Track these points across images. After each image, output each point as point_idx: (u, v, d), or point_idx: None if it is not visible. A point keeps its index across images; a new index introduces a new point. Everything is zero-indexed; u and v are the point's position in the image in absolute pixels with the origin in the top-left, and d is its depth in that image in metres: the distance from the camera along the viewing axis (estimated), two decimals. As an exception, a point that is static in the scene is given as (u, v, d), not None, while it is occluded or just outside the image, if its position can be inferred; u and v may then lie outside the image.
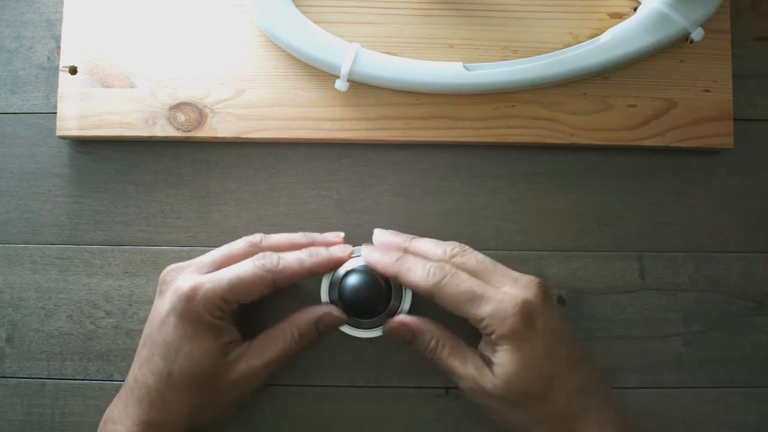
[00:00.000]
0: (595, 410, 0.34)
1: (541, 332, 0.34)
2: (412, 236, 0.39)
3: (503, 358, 0.34)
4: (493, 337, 0.34)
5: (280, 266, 0.35)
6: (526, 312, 0.34)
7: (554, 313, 0.35)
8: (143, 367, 0.35)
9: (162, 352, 0.34)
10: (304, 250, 0.37)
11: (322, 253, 0.37)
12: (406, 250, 0.38)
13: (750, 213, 0.44)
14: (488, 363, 0.35)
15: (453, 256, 0.36)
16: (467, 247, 0.37)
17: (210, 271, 0.36)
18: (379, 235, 0.39)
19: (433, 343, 0.37)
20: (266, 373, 0.36)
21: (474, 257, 0.36)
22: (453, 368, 0.36)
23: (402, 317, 0.37)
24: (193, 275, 0.35)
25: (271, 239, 0.38)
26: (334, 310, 0.37)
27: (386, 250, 0.38)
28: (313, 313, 0.37)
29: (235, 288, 0.34)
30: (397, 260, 0.36)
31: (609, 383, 0.37)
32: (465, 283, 0.35)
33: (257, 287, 0.35)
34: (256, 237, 0.38)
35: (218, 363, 0.35)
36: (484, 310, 0.34)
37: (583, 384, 0.35)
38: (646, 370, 0.42)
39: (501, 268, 0.36)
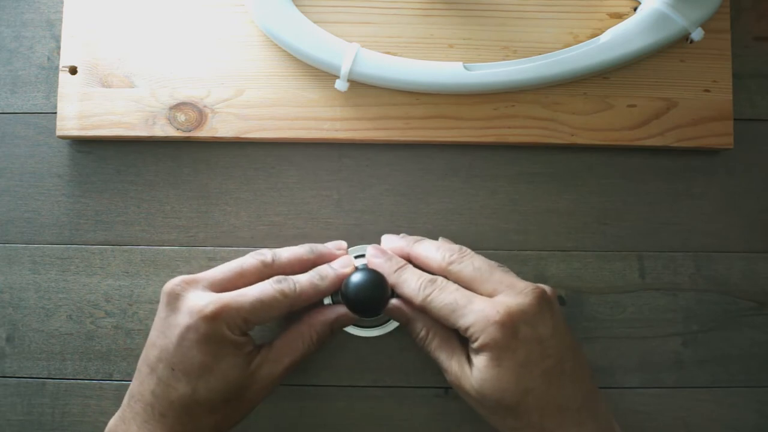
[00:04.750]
0: (573, 431, 0.34)
1: (525, 342, 0.33)
2: (418, 239, 0.39)
3: (481, 364, 0.34)
4: (475, 345, 0.34)
5: (297, 291, 0.36)
6: (509, 321, 0.33)
7: (548, 322, 0.34)
8: (162, 383, 0.34)
9: (185, 369, 0.34)
10: (314, 272, 0.37)
11: (330, 274, 0.37)
12: (408, 255, 0.38)
13: (750, 213, 0.44)
14: (469, 363, 0.35)
15: (451, 263, 0.36)
16: (468, 251, 0.37)
17: (221, 288, 0.36)
18: (386, 241, 0.40)
19: (423, 332, 0.37)
20: (285, 375, 0.37)
21: (471, 264, 0.36)
22: (439, 360, 0.37)
23: (397, 301, 0.37)
24: (208, 293, 0.35)
25: (281, 258, 0.38)
26: (347, 312, 0.38)
27: (388, 256, 0.38)
28: (329, 315, 0.38)
29: (257, 311, 0.35)
30: (395, 271, 0.37)
31: (603, 401, 0.36)
32: (451, 294, 0.35)
33: (276, 311, 0.35)
34: (267, 256, 0.37)
35: (243, 375, 0.35)
36: (468, 319, 0.34)
37: (564, 402, 0.34)
38: (646, 370, 0.42)
39: (498, 275, 0.36)
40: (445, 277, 0.36)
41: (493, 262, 0.37)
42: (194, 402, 0.34)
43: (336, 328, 0.38)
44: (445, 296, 0.35)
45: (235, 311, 0.34)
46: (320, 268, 0.38)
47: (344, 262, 0.38)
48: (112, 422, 0.36)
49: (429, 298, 0.35)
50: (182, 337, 0.34)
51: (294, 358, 0.37)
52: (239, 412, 0.36)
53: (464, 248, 0.38)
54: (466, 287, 0.35)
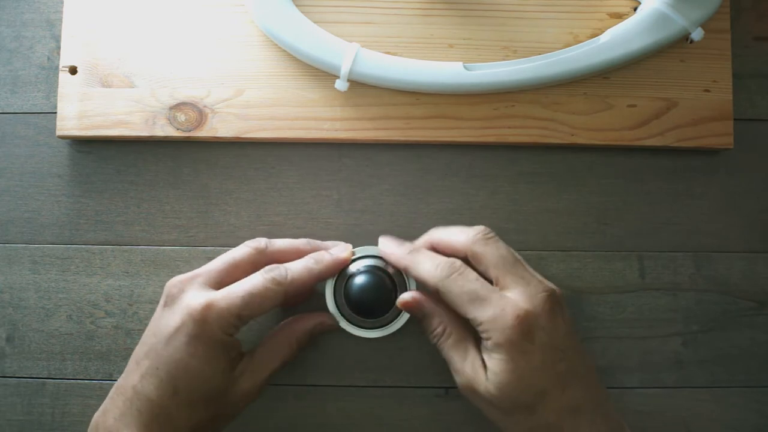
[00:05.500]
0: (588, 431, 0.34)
1: (540, 346, 0.33)
2: (436, 228, 0.39)
3: (497, 366, 0.34)
4: (489, 343, 0.34)
5: (289, 278, 0.35)
6: (526, 324, 0.33)
7: (560, 326, 0.34)
8: (145, 380, 0.34)
9: (169, 368, 0.34)
10: (309, 257, 0.37)
11: (326, 258, 0.37)
12: (428, 242, 0.38)
13: (750, 213, 0.44)
14: (484, 366, 0.35)
15: (476, 242, 0.35)
16: (493, 235, 0.36)
17: (218, 282, 0.36)
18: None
19: (439, 329, 0.37)
20: (267, 383, 0.37)
21: (497, 249, 0.35)
22: (452, 361, 0.36)
23: (417, 295, 0.37)
24: (202, 291, 0.35)
25: (276, 245, 0.38)
26: (326, 318, 0.38)
27: (400, 242, 0.38)
28: (309, 322, 0.38)
29: (250, 304, 0.34)
30: (409, 252, 0.36)
31: (612, 402, 0.36)
32: (471, 283, 0.34)
33: (270, 301, 0.35)
34: (261, 243, 0.37)
35: (226, 380, 0.35)
36: (484, 314, 0.33)
37: (577, 403, 0.34)
38: (646, 370, 0.42)
39: (519, 269, 0.35)
40: (466, 257, 0.36)
41: (515, 253, 0.37)
42: (173, 402, 0.34)
43: (316, 334, 0.38)
44: (465, 283, 0.34)
45: (225, 310, 0.34)
46: (316, 253, 0.37)
47: (342, 247, 0.38)
48: (96, 414, 0.35)
49: (448, 281, 0.34)
50: (171, 337, 0.34)
51: (275, 366, 0.37)
52: (219, 417, 0.36)
53: (490, 232, 0.37)
54: (484, 271, 0.35)
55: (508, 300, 0.34)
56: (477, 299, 0.34)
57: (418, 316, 0.38)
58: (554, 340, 0.34)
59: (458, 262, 0.35)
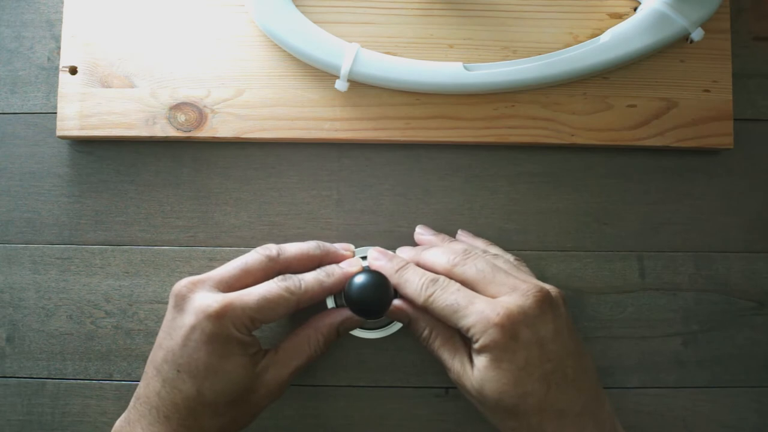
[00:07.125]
0: None
1: (525, 345, 0.33)
2: (425, 247, 0.39)
3: (481, 365, 0.34)
4: (476, 346, 0.34)
5: (302, 288, 0.36)
6: (509, 323, 0.33)
7: (549, 325, 0.34)
8: (168, 385, 0.34)
9: (189, 369, 0.34)
10: (320, 270, 0.37)
11: (337, 272, 0.37)
12: (417, 261, 0.38)
13: (750, 213, 0.44)
14: (471, 362, 0.35)
15: (454, 266, 0.36)
16: (472, 253, 0.37)
17: (228, 287, 0.36)
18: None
19: (426, 332, 0.37)
20: (292, 379, 0.37)
21: (474, 266, 0.36)
22: (442, 359, 0.37)
23: (399, 302, 0.37)
24: (214, 293, 0.35)
25: (287, 252, 0.37)
26: (353, 315, 0.37)
27: (390, 257, 0.38)
28: (336, 318, 0.38)
29: (263, 308, 0.34)
30: (397, 272, 0.37)
31: (607, 404, 0.36)
32: (452, 295, 0.35)
33: (282, 308, 0.35)
34: (273, 251, 0.37)
35: (249, 376, 0.35)
36: (468, 321, 0.34)
37: (563, 406, 0.34)
38: (646, 370, 0.42)
39: (500, 276, 0.35)
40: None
41: (500, 261, 0.37)
42: (199, 404, 0.34)
43: (342, 331, 0.38)
44: (446, 296, 0.35)
45: (240, 309, 0.34)
46: (327, 267, 0.38)
47: (352, 262, 0.38)
48: (117, 424, 0.36)
49: (431, 299, 0.35)
50: (187, 338, 0.34)
51: (300, 362, 0.37)
52: (244, 416, 0.36)
53: (471, 248, 0.37)
54: (471, 289, 0.35)
55: (490, 302, 0.34)
56: (459, 309, 0.34)
57: (404, 323, 0.38)
58: (540, 338, 0.34)
59: (441, 278, 0.36)
